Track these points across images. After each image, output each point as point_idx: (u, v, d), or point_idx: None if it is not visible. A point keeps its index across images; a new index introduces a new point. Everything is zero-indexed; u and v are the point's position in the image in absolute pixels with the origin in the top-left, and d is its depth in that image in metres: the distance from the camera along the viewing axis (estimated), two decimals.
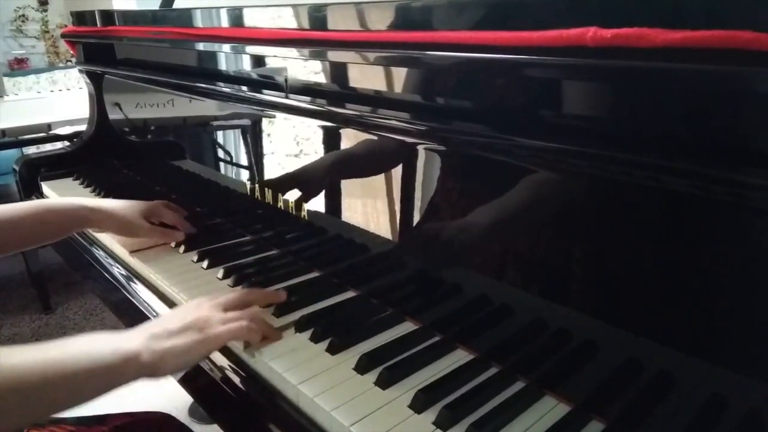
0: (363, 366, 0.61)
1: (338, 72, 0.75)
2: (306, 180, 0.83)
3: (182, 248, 0.92)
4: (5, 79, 3.60)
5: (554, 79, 0.52)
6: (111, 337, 0.58)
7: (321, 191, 0.81)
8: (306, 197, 0.82)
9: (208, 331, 0.62)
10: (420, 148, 0.65)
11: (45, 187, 1.32)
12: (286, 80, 0.82)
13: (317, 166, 0.82)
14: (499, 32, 0.49)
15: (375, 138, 0.71)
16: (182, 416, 1.56)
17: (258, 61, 0.90)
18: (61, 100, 3.60)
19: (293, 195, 0.84)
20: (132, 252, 0.92)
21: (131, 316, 0.87)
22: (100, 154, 1.45)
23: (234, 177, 1.02)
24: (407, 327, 0.69)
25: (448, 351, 0.64)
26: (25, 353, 0.51)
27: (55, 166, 1.40)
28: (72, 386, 0.53)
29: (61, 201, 0.90)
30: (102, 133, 1.44)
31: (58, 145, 2.26)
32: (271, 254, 0.90)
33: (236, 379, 0.64)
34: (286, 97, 0.81)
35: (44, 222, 0.83)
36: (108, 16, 1.28)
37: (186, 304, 0.69)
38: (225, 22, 0.89)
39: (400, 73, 0.67)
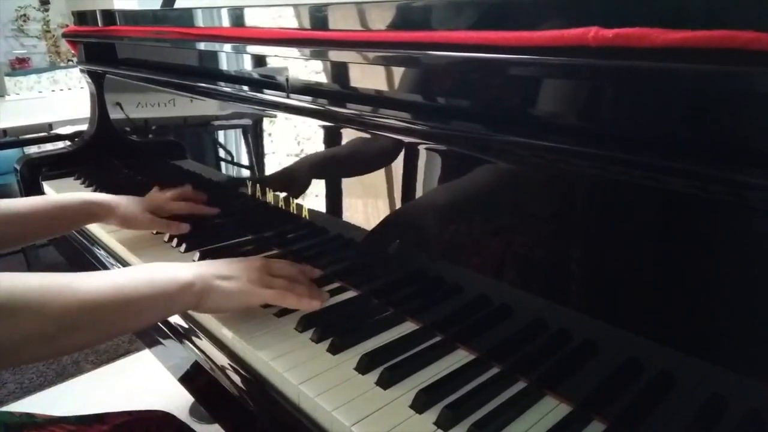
0: (364, 366, 0.61)
1: (339, 72, 0.76)
2: (295, 177, 0.84)
3: (183, 247, 0.92)
4: (6, 78, 3.61)
5: (555, 79, 0.52)
6: (169, 267, 0.65)
7: (307, 187, 0.82)
8: (295, 194, 0.83)
9: (253, 287, 0.67)
10: (421, 147, 0.65)
11: (46, 186, 1.33)
12: (287, 80, 0.82)
13: (305, 164, 0.83)
14: (501, 32, 0.50)
15: (369, 137, 0.71)
16: (183, 416, 1.57)
17: (259, 60, 0.91)
18: (62, 99, 3.60)
19: (294, 194, 0.84)
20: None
21: None
22: (101, 154, 1.45)
23: (235, 177, 1.02)
24: (408, 327, 0.69)
25: (449, 351, 0.64)
26: (98, 279, 0.58)
27: (56, 166, 1.40)
28: (136, 310, 0.59)
29: (67, 198, 0.92)
30: (103, 132, 1.44)
31: (60, 144, 2.26)
32: (271, 254, 0.90)
33: (237, 379, 0.64)
34: (287, 97, 0.81)
35: (52, 218, 0.86)
36: (109, 15, 1.28)
37: (239, 258, 0.74)
38: (226, 22, 0.89)
39: (401, 73, 0.67)
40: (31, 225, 0.83)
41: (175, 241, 0.94)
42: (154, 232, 0.98)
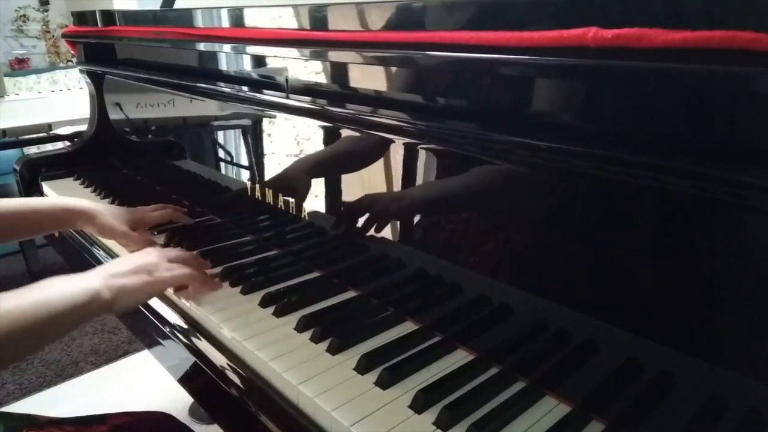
0: (363, 366, 0.61)
1: (339, 72, 0.76)
2: (294, 181, 0.85)
3: (181, 248, 0.92)
4: (6, 78, 3.60)
5: (555, 79, 0.52)
6: (75, 278, 0.67)
7: (307, 191, 0.82)
8: (297, 198, 0.83)
9: (156, 274, 0.72)
10: (420, 148, 0.65)
11: (45, 187, 1.33)
12: (286, 80, 0.82)
13: (302, 167, 0.83)
14: (500, 32, 0.50)
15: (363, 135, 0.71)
16: (182, 416, 1.57)
17: (258, 61, 0.90)
18: (61, 100, 3.60)
19: (293, 195, 0.84)
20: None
21: (132, 316, 0.87)
22: (101, 154, 1.45)
23: (234, 177, 1.02)
24: (407, 327, 0.69)
25: (449, 351, 0.64)
26: (18, 299, 0.60)
27: (56, 166, 1.40)
28: (54, 323, 0.61)
29: (46, 202, 0.97)
30: (102, 133, 1.44)
31: (59, 145, 2.26)
32: (271, 254, 0.90)
33: (236, 379, 0.64)
34: (287, 98, 0.81)
35: (29, 221, 0.90)
36: (109, 16, 1.28)
37: (136, 252, 0.79)
38: (225, 22, 0.89)
39: (400, 73, 0.67)
40: (8, 226, 0.87)
41: (174, 241, 0.94)
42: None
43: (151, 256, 0.75)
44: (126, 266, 0.71)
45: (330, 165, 0.80)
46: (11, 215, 0.87)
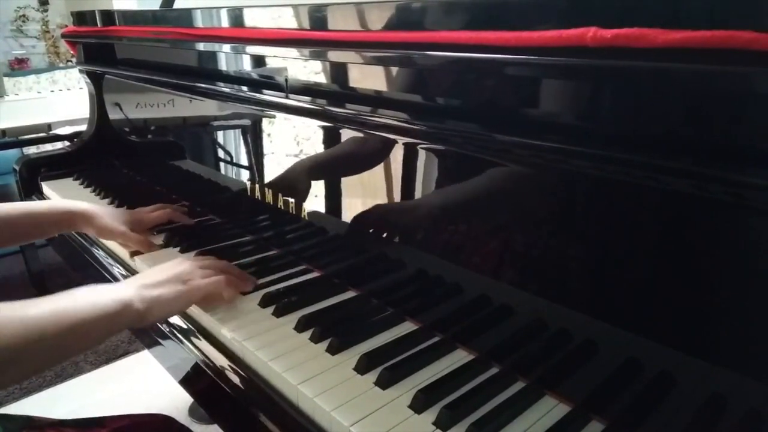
0: (363, 366, 0.61)
1: (338, 72, 0.76)
2: (294, 182, 0.85)
3: (181, 248, 0.92)
4: (5, 79, 3.61)
5: (555, 79, 0.52)
6: (107, 287, 0.65)
7: (308, 192, 0.82)
8: (297, 199, 0.83)
9: (191, 283, 0.70)
10: (420, 147, 0.65)
11: (45, 187, 1.33)
12: (286, 80, 0.82)
13: (303, 168, 0.83)
14: (499, 32, 0.50)
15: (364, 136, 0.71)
16: (182, 416, 1.57)
17: (258, 61, 0.90)
18: (61, 100, 3.61)
19: (293, 195, 0.84)
20: (132, 254, 0.93)
21: None
22: (101, 155, 1.45)
23: (234, 177, 1.02)
24: (407, 327, 0.69)
25: (448, 351, 0.64)
26: (42, 306, 0.57)
27: (56, 166, 1.40)
28: (81, 333, 0.59)
29: (45, 205, 0.96)
30: (102, 133, 1.44)
31: (59, 145, 2.26)
32: (271, 254, 0.90)
33: (236, 380, 0.64)
34: (287, 97, 0.81)
35: (29, 225, 0.90)
36: (108, 16, 1.28)
37: (169, 261, 0.76)
38: (225, 22, 0.89)
39: (400, 73, 0.67)
40: (7, 229, 0.86)
41: (174, 241, 0.94)
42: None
43: (184, 265, 0.73)
44: (159, 276, 0.69)
45: (331, 167, 0.79)
46: (11, 219, 0.86)
